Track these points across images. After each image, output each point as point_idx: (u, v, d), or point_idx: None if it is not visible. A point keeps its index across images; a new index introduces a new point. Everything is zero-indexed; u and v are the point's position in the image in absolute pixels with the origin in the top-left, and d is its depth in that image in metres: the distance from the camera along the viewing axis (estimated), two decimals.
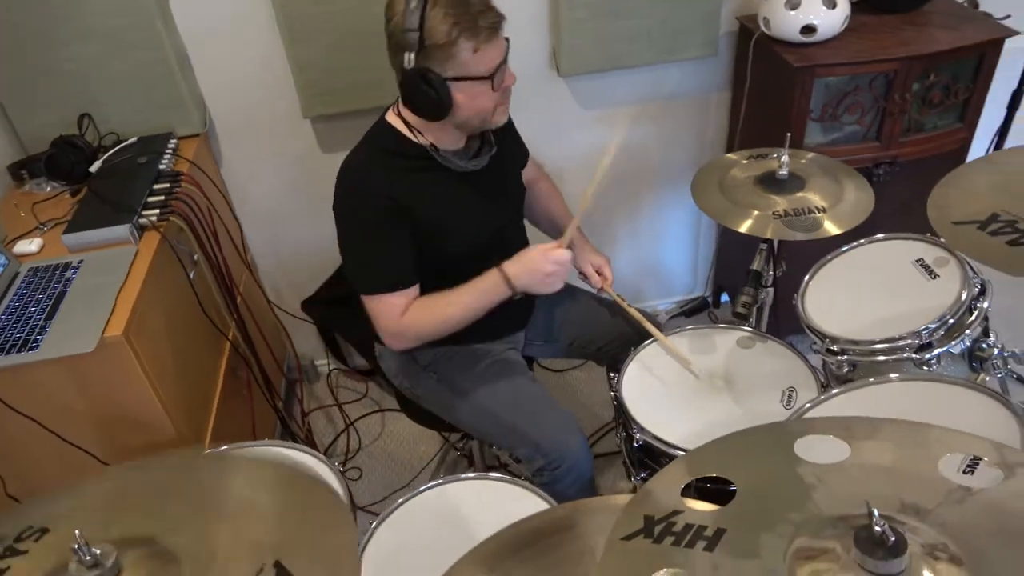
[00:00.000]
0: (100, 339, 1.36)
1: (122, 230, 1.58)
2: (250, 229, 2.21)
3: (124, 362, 1.41)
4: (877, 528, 0.66)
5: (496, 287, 1.42)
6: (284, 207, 2.21)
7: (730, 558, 0.73)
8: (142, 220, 1.62)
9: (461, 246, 1.49)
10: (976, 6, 2.13)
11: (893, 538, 0.65)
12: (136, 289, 1.48)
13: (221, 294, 1.89)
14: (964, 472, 0.81)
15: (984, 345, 1.33)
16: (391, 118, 1.46)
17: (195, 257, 1.77)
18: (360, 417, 2.40)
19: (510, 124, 1.64)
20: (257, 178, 2.15)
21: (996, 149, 2.11)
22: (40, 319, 1.42)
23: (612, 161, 1.35)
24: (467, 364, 1.62)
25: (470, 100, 1.34)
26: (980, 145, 2.06)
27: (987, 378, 1.35)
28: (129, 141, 1.88)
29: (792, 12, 1.88)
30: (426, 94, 1.30)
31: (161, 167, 1.77)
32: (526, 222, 1.73)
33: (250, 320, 2.01)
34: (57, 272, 1.52)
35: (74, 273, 1.52)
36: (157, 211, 1.64)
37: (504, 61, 1.35)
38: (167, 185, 1.72)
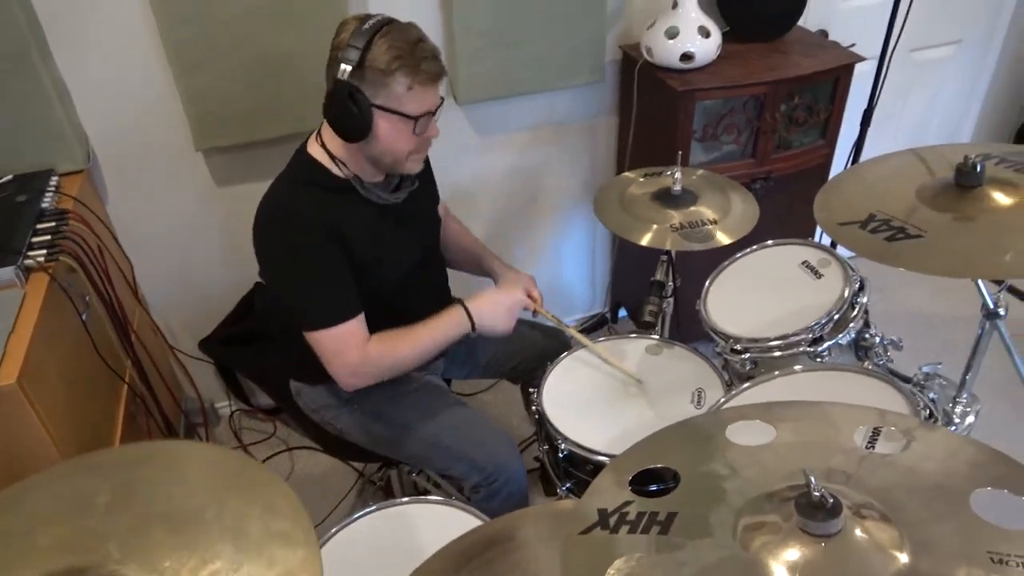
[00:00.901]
0: None
1: (6, 273, 1.47)
2: (141, 268, 2.10)
3: (18, 411, 1.31)
4: (816, 493, 0.73)
5: (459, 323, 1.46)
6: (176, 244, 2.12)
7: (685, 538, 0.78)
8: (27, 261, 1.52)
9: (386, 277, 1.49)
10: (826, 36, 2.38)
11: (831, 500, 0.72)
12: (27, 334, 1.37)
13: (116, 336, 1.78)
14: (869, 443, 0.90)
15: (867, 336, 1.48)
16: (312, 148, 1.45)
17: (87, 298, 1.67)
18: (268, 457, 2.31)
19: (428, 167, 1.67)
20: (147, 215, 2.05)
21: (854, 162, 2.34)
22: None
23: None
24: (393, 394, 1.61)
25: (389, 134, 1.36)
26: (840, 159, 2.29)
27: (870, 365, 1.49)
28: (3, 179, 1.76)
29: (671, 41, 2.02)
30: (349, 111, 1.31)
31: (44, 205, 1.67)
32: None
33: (148, 362, 1.91)
34: None
35: None
36: (44, 251, 1.54)
37: (434, 114, 1.39)
38: (53, 224, 1.62)
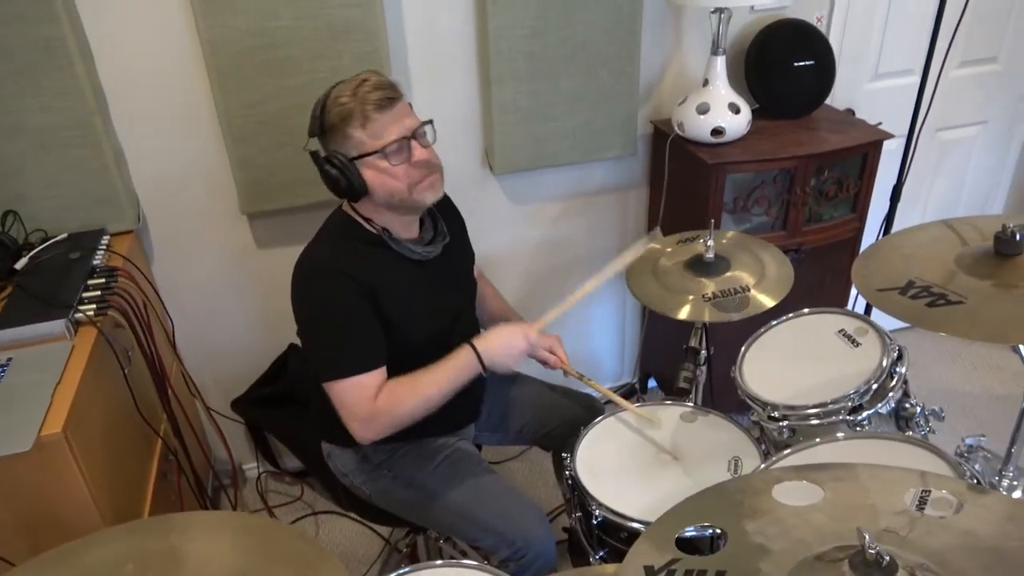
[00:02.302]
0: (37, 437, 1.28)
1: (57, 325, 1.52)
2: (180, 326, 2.15)
3: (61, 461, 1.33)
4: (871, 551, 0.71)
5: (468, 364, 1.44)
6: (216, 304, 2.18)
7: None
8: (78, 315, 1.56)
9: (419, 333, 1.50)
10: (853, 114, 2.43)
11: (887, 558, 0.71)
12: (74, 385, 1.41)
13: (155, 392, 1.81)
14: (919, 506, 0.88)
15: (907, 405, 1.46)
16: (346, 207, 1.51)
17: (130, 353, 1.71)
18: (294, 521, 2.29)
19: (460, 221, 1.71)
20: (189, 274, 2.11)
21: (885, 234, 2.35)
22: None
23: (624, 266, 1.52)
24: (423, 459, 1.60)
25: (378, 178, 1.40)
26: (871, 232, 2.30)
27: (912, 434, 1.46)
28: (59, 237, 1.83)
29: (702, 116, 2.08)
30: (335, 176, 1.38)
31: (95, 262, 1.73)
32: None
33: (182, 419, 1.93)
34: None
35: (2, 371, 1.44)
36: (94, 306, 1.59)
37: (409, 137, 1.39)
38: (103, 280, 1.68)
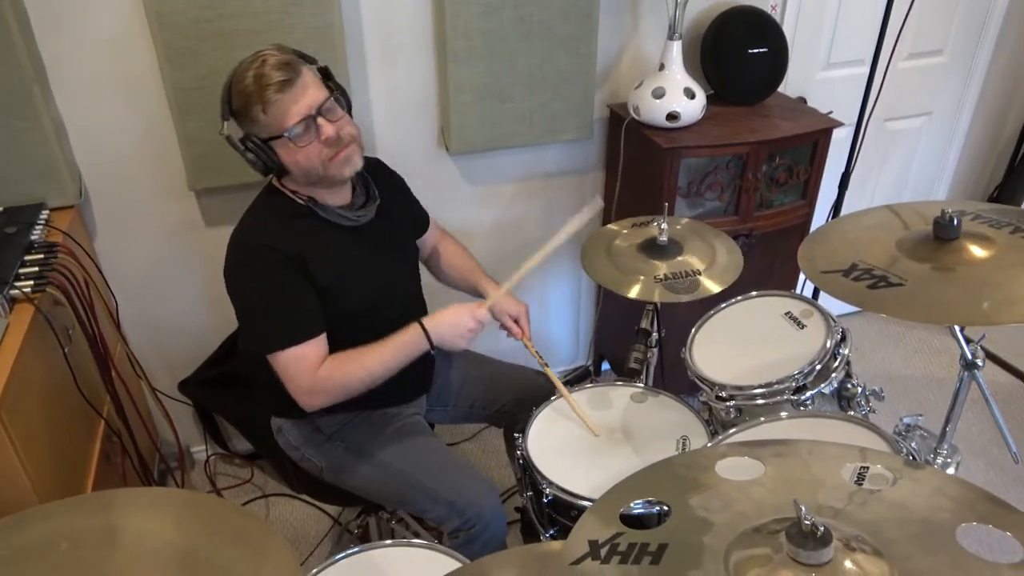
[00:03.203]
0: None
1: None
2: (125, 305, 2.09)
3: None
4: (807, 522, 0.73)
5: (415, 341, 1.45)
6: (163, 283, 2.12)
7: (676, 569, 0.78)
8: (13, 291, 1.51)
9: (357, 299, 1.50)
10: (805, 102, 2.47)
11: (821, 528, 0.73)
12: (8, 364, 1.36)
13: (97, 372, 1.76)
14: (857, 480, 0.91)
15: (849, 385, 1.50)
16: (275, 181, 1.51)
17: (70, 331, 1.66)
18: (245, 503, 2.26)
19: (402, 185, 1.70)
20: (134, 252, 2.06)
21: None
22: None
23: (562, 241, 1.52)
24: (375, 430, 1.60)
25: (291, 156, 1.39)
26: (820, 218, 2.35)
27: (853, 414, 1.50)
28: None
29: (658, 101, 2.09)
30: (251, 159, 1.40)
31: (33, 237, 1.67)
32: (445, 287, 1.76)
33: (127, 400, 1.88)
34: None
35: None
36: (31, 282, 1.54)
37: (313, 116, 1.36)
38: (41, 256, 1.62)
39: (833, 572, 0.74)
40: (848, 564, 0.75)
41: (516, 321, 1.68)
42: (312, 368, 1.41)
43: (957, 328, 1.30)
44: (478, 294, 1.76)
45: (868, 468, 0.91)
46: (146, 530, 0.92)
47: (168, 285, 2.13)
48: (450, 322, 1.46)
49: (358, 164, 1.45)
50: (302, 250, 1.42)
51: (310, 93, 1.37)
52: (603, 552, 0.81)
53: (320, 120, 1.37)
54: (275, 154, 1.39)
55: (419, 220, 1.76)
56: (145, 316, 2.15)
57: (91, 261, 1.88)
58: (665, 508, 0.88)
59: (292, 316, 1.42)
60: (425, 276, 1.79)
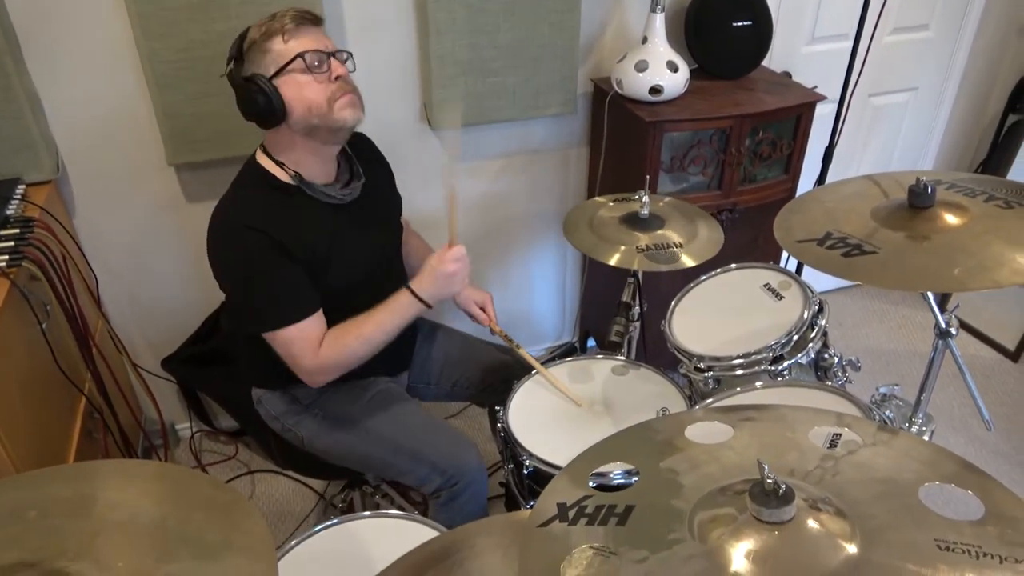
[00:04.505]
0: None
1: None
2: (105, 281, 2.08)
3: None
4: (769, 480, 0.74)
5: (407, 304, 1.45)
6: (143, 259, 2.11)
7: (643, 529, 0.78)
8: None
9: (346, 277, 1.50)
10: (790, 77, 2.46)
11: (783, 487, 0.73)
12: None
13: (77, 348, 1.75)
14: (829, 447, 0.91)
15: (826, 356, 1.51)
16: (259, 157, 1.48)
17: (48, 307, 1.65)
18: (230, 480, 2.27)
19: (384, 166, 1.69)
20: (114, 227, 2.04)
21: None
22: None
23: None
24: (353, 397, 1.61)
25: (296, 92, 1.38)
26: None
27: (830, 383, 1.51)
28: None
29: (641, 74, 2.08)
30: (255, 96, 1.37)
31: (8, 212, 1.65)
32: None
33: (108, 377, 1.87)
34: None
35: None
36: (7, 257, 1.52)
37: (329, 52, 1.40)
38: (17, 231, 1.61)
39: (795, 530, 0.74)
40: (811, 522, 0.75)
41: (483, 309, 1.71)
42: (314, 346, 1.42)
43: (931, 296, 1.31)
44: None
45: (840, 434, 0.92)
46: (118, 500, 0.92)
47: (149, 262, 2.12)
48: (431, 275, 1.46)
49: (360, 115, 1.45)
50: (288, 231, 1.40)
51: (327, 39, 1.42)
52: (571, 514, 0.82)
53: (333, 60, 1.41)
54: (278, 93, 1.37)
55: (397, 200, 1.75)
56: (127, 293, 2.14)
57: (70, 237, 1.86)
58: (633, 470, 0.89)
59: (292, 293, 1.42)
60: None
